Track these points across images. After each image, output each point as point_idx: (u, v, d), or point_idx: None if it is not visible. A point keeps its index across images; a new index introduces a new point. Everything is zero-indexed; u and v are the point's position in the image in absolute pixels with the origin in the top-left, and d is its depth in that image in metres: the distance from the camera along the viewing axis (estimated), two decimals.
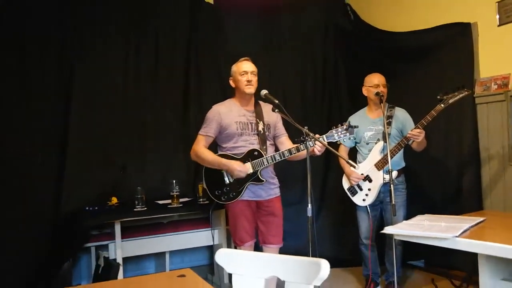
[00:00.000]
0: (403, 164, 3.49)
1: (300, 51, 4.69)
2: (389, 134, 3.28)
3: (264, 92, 2.95)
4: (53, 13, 3.72)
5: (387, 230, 2.39)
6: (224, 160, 3.01)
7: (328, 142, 2.86)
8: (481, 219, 2.42)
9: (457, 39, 3.70)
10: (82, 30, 3.82)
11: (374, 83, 3.46)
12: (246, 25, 4.52)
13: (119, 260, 3.44)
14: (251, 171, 3.01)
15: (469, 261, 3.18)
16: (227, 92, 4.15)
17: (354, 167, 3.08)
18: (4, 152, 3.16)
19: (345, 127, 2.86)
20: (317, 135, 2.79)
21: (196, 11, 4.33)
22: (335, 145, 3.10)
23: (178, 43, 4.24)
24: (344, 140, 2.92)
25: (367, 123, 3.50)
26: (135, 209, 3.50)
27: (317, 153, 2.87)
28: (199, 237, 3.94)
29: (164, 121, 4.14)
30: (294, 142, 3.07)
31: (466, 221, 2.33)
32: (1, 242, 3.28)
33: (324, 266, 1.40)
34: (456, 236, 2.08)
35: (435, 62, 3.87)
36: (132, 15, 4.06)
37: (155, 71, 4.14)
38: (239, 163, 2.98)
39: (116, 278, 3.19)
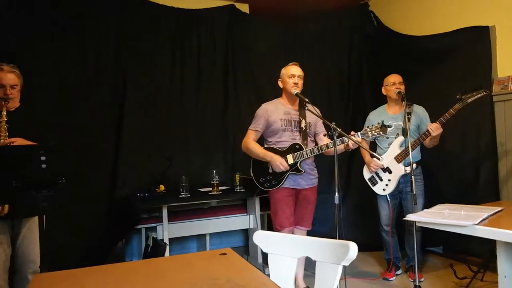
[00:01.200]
0: (419, 157, 3.41)
1: (327, 54, 4.63)
2: (409, 129, 3.20)
3: (295, 91, 3.00)
4: (109, 19, 3.82)
5: (409, 217, 2.32)
6: (269, 153, 3.05)
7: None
8: (499, 208, 2.31)
9: (476, 42, 3.56)
10: (134, 38, 3.90)
11: (390, 81, 3.43)
12: (278, 31, 4.50)
13: (166, 241, 3.49)
14: (291, 162, 3.02)
15: (485, 248, 3.09)
16: (260, 93, 4.17)
17: (379, 159, 3.03)
18: (71, 143, 3.26)
19: (378, 126, 2.84)
20: (352, 132, 2.83)
21: (234, 20, 4.34)
22: None
23: (218, 49, 4.26)
24: (378, 137, 2.90)
25: (387, 118, 3.42)
26: (180, 196, 3.55)
27: (351, 146, 2.88)
28: (235, 222, 3.97)
29: (206, 118, 4.17)
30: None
31: (485, 210, 2.24)
32: (65, 222, 3.40)
33: (353, 247, 1.38)
34: (476, 224, 2.00)
35: (454, 63, 3.74)
36: (178, 24, 4.10)
37: (198, 74, 4.18)
38: (282, 159, 3.01)
39: (163, 256, 3.24)
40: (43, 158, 1.95)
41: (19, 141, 2.37)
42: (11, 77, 2.46)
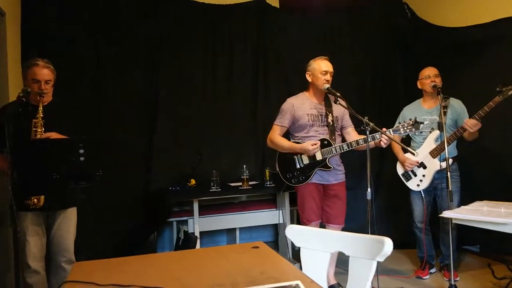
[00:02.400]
0: (456, 153, 3.32)
1: (358, 48, 4.56)
2: (444, 124, 3.11)
3: (326, 85, 2.96)
4: (143, 19, 3.91)
5: (446, 214, 2.27)
6: (297, 145, 3.03)
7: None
8: None
9: None
10: (167, 34, 3.98)
11: (425, 74, 3.35)
12: (308, 25, 4.46)
13: (197, 234, 3.54)
14: (320, 158, 2.99)
15: None
16: (290, 87, 4.15)
17: (414, 154, 2.96)
18: (106, 137, 3.37)
19: (411, 122, 2.76)
20: (384, 129, 2.75)
21: (263, 14, 4.34)
22: None
23: (248, 44, 4.28)
24: (410, 134, 2.83)
25: (422, 113, 3.35)
26: (210, 190, 3.60)
27: (383, 145, 2.83)
28: (265, 216, 3.98)
29: (236, 114, 4.20)
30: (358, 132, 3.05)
31: None
32: (100, 214, 3.51)
33: (388, 243, 1.36)
34: None
35: (494, 55, 3.59)
36: (210, 19, 4.15)
37: (229, 70, 4.21)
38: (310, 142, 2.96)
39: (194, 248, 3.29)
40: (81, 151, 2.02)
41: (53, 135, 2.43)
42: (46, 72, 2.52)
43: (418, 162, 3.29)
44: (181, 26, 4.03)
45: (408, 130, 2.79)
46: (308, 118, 3.04)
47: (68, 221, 2.63)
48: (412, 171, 3.35)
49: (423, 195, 3.34)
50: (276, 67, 4.35)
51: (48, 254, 2.64)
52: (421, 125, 2.79)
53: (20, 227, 2.44)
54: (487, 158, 3.65)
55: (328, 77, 2.99)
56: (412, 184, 3.37)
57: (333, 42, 4.53)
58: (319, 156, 3.00)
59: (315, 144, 2.94)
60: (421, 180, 3.31)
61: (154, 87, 3.92)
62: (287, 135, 3.19)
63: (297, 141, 3.09)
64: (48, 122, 2.48)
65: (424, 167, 3.29)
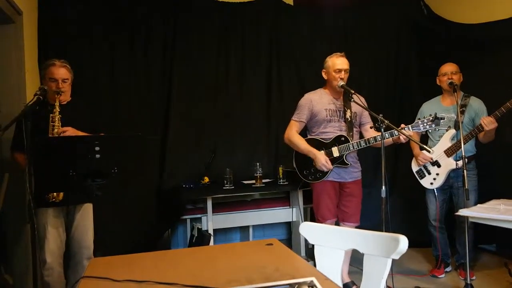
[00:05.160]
0: (474, 151, 3.27)
1: (373, 45, 4.52)
2: (461, 122, 3.07)
3: (341, 83, 2.94)
4: (157, 20, 3.95)
5: (462, 212, 2.24)
6: (314, 150, 3.00)
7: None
8: None
9: None
10: (180, 32, 4.00)
11: (443, 71, 3.31)
12: (323, 22, 4.44)
13: (210, 231, 3.56)
14: (337, 154, 2.98)
15: None
16: (304, 85, 4.14)
17: (429, 151, 2.93)
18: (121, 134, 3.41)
19: (430, 118, 2.74)
20: (402, 125, 2.74)
21: (277, 12, 4.33)
22: None
23: (262, 41, 4.27)
24: (429, 130, 2.81)
25: (440, 110, 3.31)
26: (224, 187, 3.61)
27: (403, 140, 2.81)
28: (278, 214, 3.98)
29: (249, 111, 4.20)
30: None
31: None
32: (115, 211, 3.55)
33: (403, 240, 1.35)
34: None
35: (510, 53, 3.52)
36: (223, 17, 4.16)
37: (243, 68, 4.21)
38: (326, 158, 2.96)
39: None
40: (97, 148, 2.06)
41: (70, 130, 2.50)
42: (63, 72, 2.60)
43: (431, 159, 3.26)
44: (195, 24, 4.04)
45: (427, 126, 2.76)
46: (326, 113, 3.03)
47: (86, 218, 2.69)
48: (426, 169, 3.32)
49: (436, 194, 3.31)
50: (290, 65, 4.34)
51: (68, 252, 2.69)
52: (441, 121, 2.76)
53: (40, 223, 2.50)
54: (507, 156, 3.58)
55: (342, 75, 2.96)
56: (425, 182, 3.34)
57: (348, 39, 4.50)
58: (336, 153, 2.99)
59: (328, 164, 2.94)
60: (434, 179, 3.29)
61: (168, 85, 3.95)
62: (304, 130, 3.18)
63: (314, 136, 3.09)
64: (67, 121, 2.53)
65: (438, 166, 3.26)
